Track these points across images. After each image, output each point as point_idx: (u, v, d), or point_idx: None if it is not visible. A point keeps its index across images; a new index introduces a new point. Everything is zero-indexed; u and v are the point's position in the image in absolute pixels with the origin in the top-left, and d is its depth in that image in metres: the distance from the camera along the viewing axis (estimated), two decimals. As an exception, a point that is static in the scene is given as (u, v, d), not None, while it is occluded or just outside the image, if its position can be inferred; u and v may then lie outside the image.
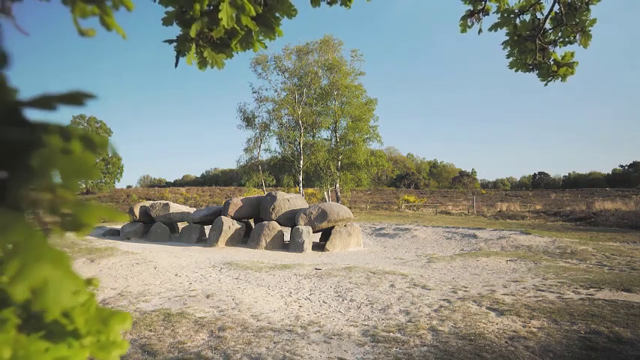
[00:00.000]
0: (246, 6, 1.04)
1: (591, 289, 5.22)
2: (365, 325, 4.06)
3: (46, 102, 0.37)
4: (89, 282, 0.48)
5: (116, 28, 0.57)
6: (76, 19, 0.52)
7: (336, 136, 23.07)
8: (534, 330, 3.75)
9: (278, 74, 23.26)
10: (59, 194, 0.35)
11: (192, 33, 1.09)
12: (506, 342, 3.49)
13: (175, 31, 1.19)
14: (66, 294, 0.33)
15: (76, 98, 0.37)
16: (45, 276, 0.33)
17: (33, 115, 0.36)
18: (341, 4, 1.58)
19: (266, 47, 1.30)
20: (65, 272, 0.34)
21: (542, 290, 5.30)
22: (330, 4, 1.56)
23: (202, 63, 1.20)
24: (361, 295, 5.19)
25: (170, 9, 1.12)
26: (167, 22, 1.15)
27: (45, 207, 0.36)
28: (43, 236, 0.34)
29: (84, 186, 33.98)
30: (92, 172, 0.36)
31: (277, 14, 1.24)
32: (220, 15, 1.02)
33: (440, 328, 3.88)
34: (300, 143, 22.30)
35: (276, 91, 23.24)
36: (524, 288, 5.50)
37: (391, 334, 3.76)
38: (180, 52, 1.17)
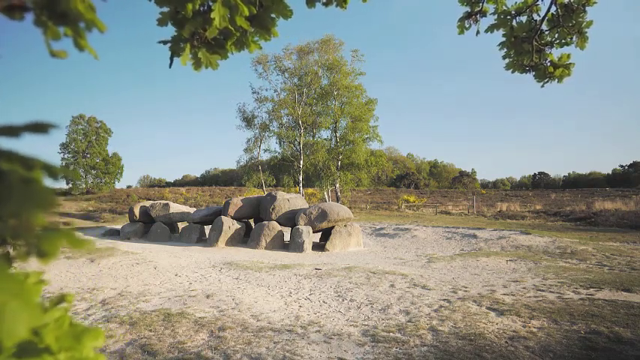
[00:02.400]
0: (239, 6, 1.04)
1: (591, 289, 5.22)
2: (365, 325, 4.07)
3: (12, 131, 0.37)
4: (62, 298, 0.47)
5: (89, 50, 0.58)
6: (48, 41, 0.52)
7: (336, 136, 23.08)
8: (534, 330, 3.76)
9: (278, 74, 23.28)
10: (23, 222, 0.35)
11: (186, 33, 1.09)
12: (506, 342, 3.49)
13: (171, 31, 1.19)
14: (22, 325, 0.33)
15: (40, 128, 0.38)
16: (0, 306, 0.32)
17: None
18: (336, 5, 1.58)
19: (261, 48, 1.30)
20: (24, 302, 0.33)
21: (542, 290, 5.30)
22: (325, 5, 1.56)
23: (197, 64, 1.20)
24: (361, 295, 5.20)
25: (165, 9, 1.13)
26: (162, 22, 1.15)
27: (8, 234, 0.36)
28: (3, 264, 0.34)
29: (84, 186, 33.94)
30: (51, 202, 0.36)
31: (273, 15, 1.24)
32: (213, 15, 1.02)
33: (440, 328, 3.88)
34: (300, 143, 22.30)
35: (276, 91, 23.26)
36: (524, 288, 5.50)
37: (391, 334, 3.76)
38: (175, 53, 1.17)
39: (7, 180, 0.35)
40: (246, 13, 1.06)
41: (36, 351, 0.39)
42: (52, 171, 0.38)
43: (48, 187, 0.37)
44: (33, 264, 7.22)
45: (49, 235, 0.37)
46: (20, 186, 0.35)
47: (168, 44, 1.18)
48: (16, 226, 0.35)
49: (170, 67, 1.21)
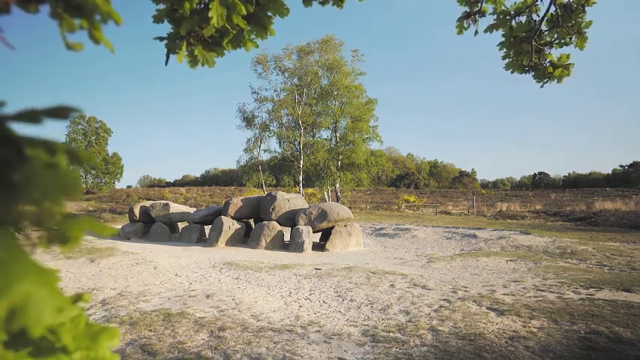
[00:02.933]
0: (236, 5, 1.04)
1: (591, 289, 5.22)
2: (365, 325, 4.07)
3: (33, 116, 0.37)
4: (79, 297, 0.48)
5: (104, 42, 0.58)
6: (63, 33, 0.52)
7: (336, 136, 23.10)
8: (534, 330, 3.76)
9: (278, 74, 23.30)
10: (45, 208, 0.35)
11: (183, 31, 1.09)
12: (506, 342, 3.49)
13: (167, 27, 1.19)
14: (49, 312, 0.33)
15: (61, 112, 0.38)
16: (27, 293, 0.32)
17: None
18: (333, 4, 1.58)
19: (257, 46, 1.30)
20: (49, 290, 0.34)
21: (542, 290, 5.30)
22: (322, 4, 1.56)
23: (193, 61, 1.20)
24: (361, 295, 5.20)
25: (161, 6, 1.13)
26: (158, 19, 1.15)
27: (31, 221, 0.35)
28: (28, 252, 0.34)
29: (84, 186, 33.99)
30: (76, 187, 0.36)
31: (269, 13, 1.24)
32: (210, 14, 1.02)
33: (440, 328, 3.88)
34: (300, 143, 22.31)
35: (275, 91, 23.27)
36: (524, 288, 5.50)
37: (391, 334, 3.76)
38: (171, 50, 1.17)
39: (30, 165, 0.35)
40: (244, 11, 1.06)
41: (52, 350, 0.39)
42: (75, 156, 0.38)
43: (72, 171, 0.37)
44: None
45: (72, 220, 0.37)
46: (44, 171, 0.35)
47: (165, 41, 1.17)
48: (38, 212, 0.35)
49: (166, 64, 1.21)
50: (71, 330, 0.41)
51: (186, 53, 1.18)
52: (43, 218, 0.36)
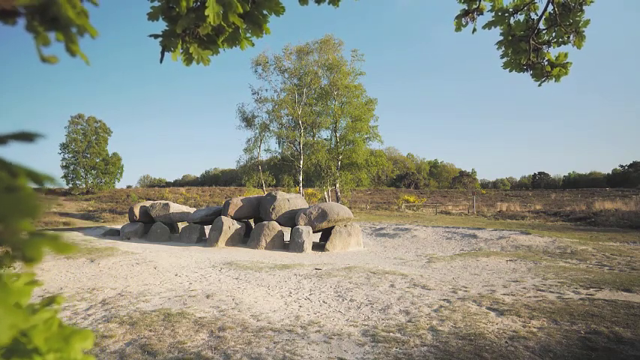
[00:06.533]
0: (233, 3, 1.04)
1: (591, 289, 5.22)
2: (365, 325, 4.06)
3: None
4: (51, 300, 0.48)
5: (80, 55, 0.58)
6: (39, 46, 0.53)
7: (336, 136, 23.11)
8: (534, 330, 3.76)
9: (278, 75, 23.32)
10: (9, 228, 0.36)
11: (179, 29, 1.09)
12: (506, 342, 3.49)
13: (162, 25, 1.18)
14: (3, 330, 0.34)
15: (26, 136, 0.40)
16: None
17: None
18: (329, 3, 1.58)
19: (253, 45, 1.30)
20: (5, 309, 0.34)
21: (542, 290, 5.30)
22: (318, 2, 1.56)
23: (188, 59, 1.20)
24: (361, 295, 5.19)
25: (156, 3, 1.12)
26: (153, 17, 1.15)
27: None
28: None
29: (84, 186, 33.94)
30: (36, 210, 0.37)
31: (265, 11, 1.24)
32: (207, 12, 1.02)
33: (440, 328, 3.88)
34: (300, 143, 22.32)
35: (275, 91, 23.29)
36: (524, 288, 5.50)
37: (391, 334, 3.76)
38: (166, 48, 1.17)
39: None
40: (240, 10, 1.06)
41: (25, 352, 0.40)
42: (36, 177, 0.39)
43: (33, 193, 0.38)
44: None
45: (33, 240, 0.38)
46: (4, 194, 0.36)
47: (160, 39, 1.17)
48: (1, 231, 0.36)
49: (161, 62, 1.20)
50: (43, 332, 0.42)
51: (182, 51, 1.18)
52: (5, 237, 0.37)
